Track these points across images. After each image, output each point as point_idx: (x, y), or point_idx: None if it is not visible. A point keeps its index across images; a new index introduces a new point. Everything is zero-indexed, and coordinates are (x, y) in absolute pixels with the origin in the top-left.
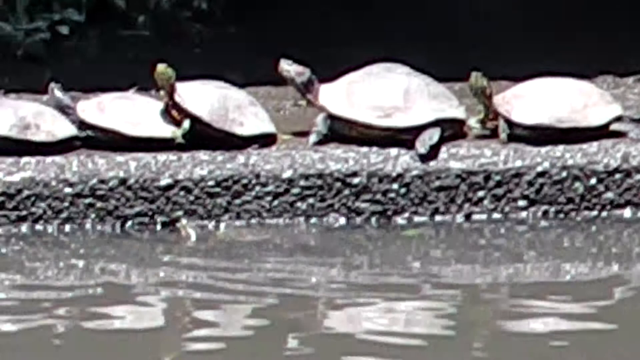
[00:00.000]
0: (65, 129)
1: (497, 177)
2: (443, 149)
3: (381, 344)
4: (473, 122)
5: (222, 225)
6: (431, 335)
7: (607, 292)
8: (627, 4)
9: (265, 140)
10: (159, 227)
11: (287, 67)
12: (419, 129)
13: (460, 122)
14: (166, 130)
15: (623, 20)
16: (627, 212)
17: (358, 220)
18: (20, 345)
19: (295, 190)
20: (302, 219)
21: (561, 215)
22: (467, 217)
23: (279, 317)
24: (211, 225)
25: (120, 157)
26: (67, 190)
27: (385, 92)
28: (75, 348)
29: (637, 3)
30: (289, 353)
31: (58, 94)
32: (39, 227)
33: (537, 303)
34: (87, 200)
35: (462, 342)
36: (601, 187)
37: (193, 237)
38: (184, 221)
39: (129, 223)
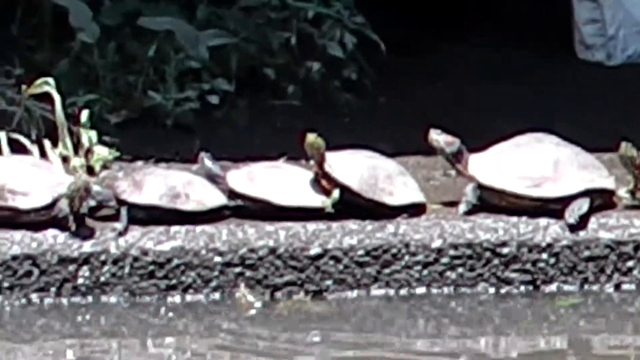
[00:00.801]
0: (215, 198)
1: None
2: (592, 219)
3: None
4: (622, 192)
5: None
6: None
7: None
8: None
9: (414, 210)
10: (307, 296)
11: (437, 136)
12: (568, 199)
13: (610, 193)
14: (316, 200)
15: None
16: None
17: (507, 289)
18: None
19: (445, 260)
20: (451, 288)
21: None
22: (617, 287)
23: None
24: (358, 293)
25: (269, 227)
26: (217, 259)
27: (535, 163)
28: None
29: None
30: None
31: (208, 163)
32: (188, 296)
33: None
34: (237, 270)
35: None
36: None
37: (255, 305)
38: (242, 289)
39: (278, 293)
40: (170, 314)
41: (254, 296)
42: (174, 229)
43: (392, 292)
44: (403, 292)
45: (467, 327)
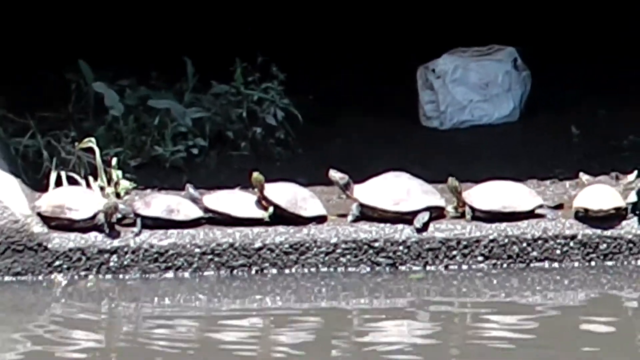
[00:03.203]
0: (195, 212)
1: (464, 242)
2: (431, 225)
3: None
4: (449, 208)
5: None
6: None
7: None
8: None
9: (320, 220)
10: (253, 273)
11: (334, 174)
12: (416, 213)
13: (442, 208)
14: (258, 213)
15: (547, 144)
16: (545, 265)
17: (378, 269)
18: None
19: (339, 250)
20: (342, 268)
21: (500, 263)
22: (446, 267)
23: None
24: (285, 271)
25: (229, 230)
26: (196, 250)
27: (395, 189)
28: None
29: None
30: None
31: (191, 190)
32: (179, 273)
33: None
34: (209, 257)
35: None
36: (529, 249)
37: (63, 283)
38: (55, 275)
39: (235, 271)
40: (163, 285)
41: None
42: (170, 231)
43: (306, 270)
44: (313, 270)
45: (350, 291)
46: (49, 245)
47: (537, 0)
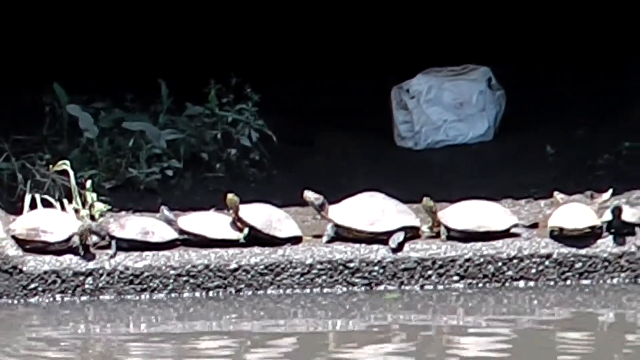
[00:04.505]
0: (170, 234)
1: (440, 262)
2: (406, 245)
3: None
4: (425, 228)
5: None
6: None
7: None
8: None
9: (295, 240)
10: (228, 294)
11: (309, 194)
12: (391, 233)
13: (417, 228)
14: (234, 234)
15: (522, 163)
16: (521, 284)
17: (353, 289)
18: None
19: (314, 271)
20: (318, 289)
21: (476, 283)
22: (421, 287)
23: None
24: (260, 292)
25: (204, 251)
26: (172, 272)
27: (370, 210)
28: None
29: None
30: None
31: (166, 212)
32: (154, 295)
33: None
34: (184, 278)
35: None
36: (505, 268)
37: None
38: None
39: (210, 293)
40: (140, 307)
41: None
42: (145, 253)
43: (282, 291)
44: (288, 291)
45: (326, 312)
46: (24, 268)
47: (511, 19)
